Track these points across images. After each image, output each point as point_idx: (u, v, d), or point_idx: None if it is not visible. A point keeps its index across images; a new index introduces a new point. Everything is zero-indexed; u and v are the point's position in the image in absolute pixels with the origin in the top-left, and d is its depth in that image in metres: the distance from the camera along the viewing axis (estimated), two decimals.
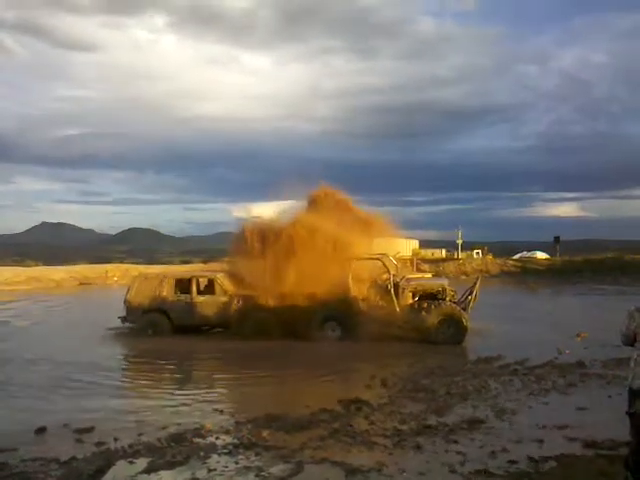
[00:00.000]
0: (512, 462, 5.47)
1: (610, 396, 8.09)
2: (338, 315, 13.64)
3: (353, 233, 14.73)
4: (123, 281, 29.57)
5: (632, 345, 4.57)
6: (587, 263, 41.61)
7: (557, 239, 51.42)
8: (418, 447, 6.01)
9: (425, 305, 13.57)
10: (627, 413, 4.55)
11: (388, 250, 16.33)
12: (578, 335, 13.64)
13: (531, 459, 5.53)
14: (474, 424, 6.77)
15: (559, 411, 7.44)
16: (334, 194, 16.48)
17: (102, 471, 5.34)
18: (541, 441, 6.11)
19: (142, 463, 5.59)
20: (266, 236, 15.26)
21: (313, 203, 16.35)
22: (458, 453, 5.76)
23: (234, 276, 15.35)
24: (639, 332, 4.45)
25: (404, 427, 6.70)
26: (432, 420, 6.98)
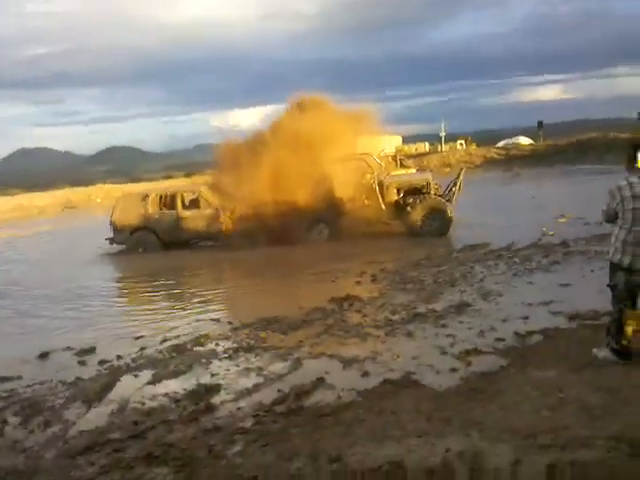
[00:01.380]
0: (500, 339, 5.72)
1: (592, 270, 8.36)
2: (325, 217, 13.74)
3: (336, 134, 14.50)
4: (107, 202, 29.31)
5: (613, 222, 4.67)
6: (571, 145, 41.55)
7: (540, 123, 50.98)
8: (409, 334, 6.26)
9: (410, 200, 13.68)
10: (608, 285, 4.73)
11: (372, 148, 16.22)
12: (562, 216, 13.87)
13: (517, 334, 5.79)
14: (462, 308, 7.03)
15: (543, 289, 7.69)
16: (315, 96, 16.08)
17: (109, 387, 5.52)
18: (526, 318, 6.37)
19: (147, 375, 5.79)
20: (248, 144, 15.07)
21: (295, 107, 15.98)
22: (448, 336, 6.02)
23: (218, 188, 15.29)
24: (619, 209, 4.54)
25: (395, 317, 6.95)
26: (422, 308, 7.23)
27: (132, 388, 5.47)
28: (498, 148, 47.97)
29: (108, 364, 6.29)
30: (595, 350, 4.81)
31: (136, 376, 5.84)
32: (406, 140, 53.88)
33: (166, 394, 5.18)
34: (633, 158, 4.65)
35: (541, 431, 3.46)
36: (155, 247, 14.60)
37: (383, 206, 13.77)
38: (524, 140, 52.67)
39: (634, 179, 4.52)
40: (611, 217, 4.68)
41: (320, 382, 4.99)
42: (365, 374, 5.16)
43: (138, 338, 7.18)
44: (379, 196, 13.78)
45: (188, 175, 42.54)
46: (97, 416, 4.87)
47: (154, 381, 5.62)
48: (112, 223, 14.93)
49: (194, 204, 14.94)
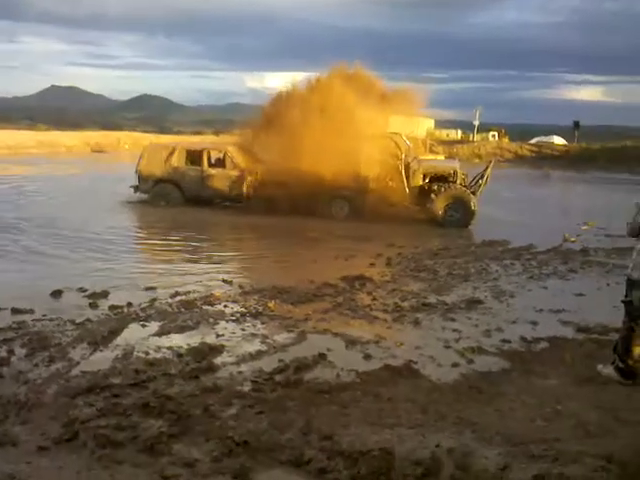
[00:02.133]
0: (505, 341, 5.71)
1: (609, 284, 8.27)
2: (347, 193, 13.69)
3: (369, 109, 14.31)
4: (135, 150, 29.46)
5: (637, 237, 4.60)
6: (604, 151, 40.80)
7: (577, 124, 49.98)
8: (416, 323, 6.28)
9: (435, 187, 13.55)
10: (622, 301, 4.68)
11: (403, 129, 16.03)
12: (586, 224, 13.70)
13: (524, 339, 5.76)
14: (472, 304, 7.00)
15: (557, 296, 7.64)
16: (353, 67, 15.85)
17: (115, 333, 5.62)
18: (535, 323, 6.33)
19: (154, 326, 5.88)
20: (280, 107, 14.96)
21: (330, 75, 15.77)
22: (454, 330, 6.02)
23: (246, 150, 15.28)
24: None
25: (404, 304, 6.95)
26: (432, 298, 7.22)
27: (138, 337, 5.56)
28: (531, 145, 47.25)
29: (118, 310, 6.39)
30: (600, 366, 4.79)
31: (144, 326, 5.93)
32: (438, 125, 53.14)
33: (170, 347, 5.26)
34: None
35: (533, 440, 3.48)
36: (177, 201, 14.68)
37: (407, 190, 13.66)
38: (558, 140, 51.77)
39: None
40: (635, 231, 4.60)
41: (321, 358, 5.03)
42: (367, 357, 5.19)
43: (150, 289, 7.27)
44: (404, 179, 13.66)
45: (217, 133, 42.52)
46: (101, 359, 4.96)
47: (160, 333, 5.70)
48: (138, 171, 15.03)
49: (220, 163, 14.94)
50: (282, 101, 15.16)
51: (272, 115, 14.95)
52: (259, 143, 15.11)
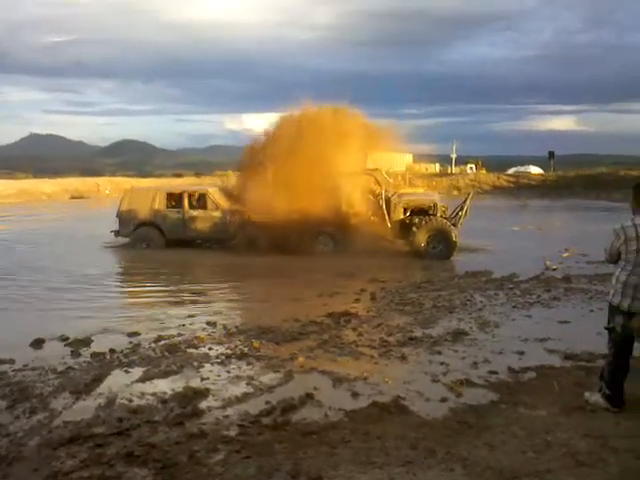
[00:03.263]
0: (493, 372, 5.68)
1: (592, 310, 8.32)
2: (330, 230, 13.77)
3: (349, 147, 14.50)
4: (115, 194, 29.41)
5: (616, 263, 4.64)
6: (580, 178, 41.55)
7: (551, 154, 51.09)
8: (403, 357, 6.24)
9: (416, 220, 13.70)
10: (606, 328, 4.71)
11: (382, 165, 16.26)
12: (566, 250, 13.86)
13: (511, 369, 5.74)
14: (458, 336, 6.99)
15: (541, 324, 7.67)
16: (333, 107, 16.08)
17: (98, 380, 5.52)
18: (522, 353, 6.33)
19: (137, 372, 5.79)
20: (260, 148, 15.11)
21: (309, 115, 15.98)
22: (441, 364, 5.99)
23: (227, 190, 15.38)
24: (623, 250, 4.51)
25: (390, 339, 6.92)
26: (418, 332, 7.20)
27: (121, 384, 5.46)
28: (508, 175, 47.99)
29: (100, 357, 6.29)
30: (587, 394, 4.78)
31: (127, 372, 5.83)
32: (417, 159, 53.82)
33: (154, 394, 5.17)
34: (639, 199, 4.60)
35: (525, 473, 3.44)
36: (159, 244, 14.65)
37: (389, 224, 13.81)
38: (534, 169, 52.72)
39: (639, 220, 4.47)
40: (614, 257, 4.64)
41: (309, 398, 4.97)
42: (354, 394, 5.13)
43: (133, 334, 7.18)
44: (385, 213, 13.82)
45: (198, 175, 42.66)
46: (83, 408, 4.86)
47: (144, 379, 5.61)
48: (119, 215, 15.00)
49: (201, 204, 14.97)
50: (262, 142, 15.31)
51: (253, 156, 15.10)
52: (241, 183, 15.21)
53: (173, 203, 14.94)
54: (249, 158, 15.33)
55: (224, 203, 14.77)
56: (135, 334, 7.18)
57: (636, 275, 4.43)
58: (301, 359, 6.13)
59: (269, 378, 5.60)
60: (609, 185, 37.29)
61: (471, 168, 53.99)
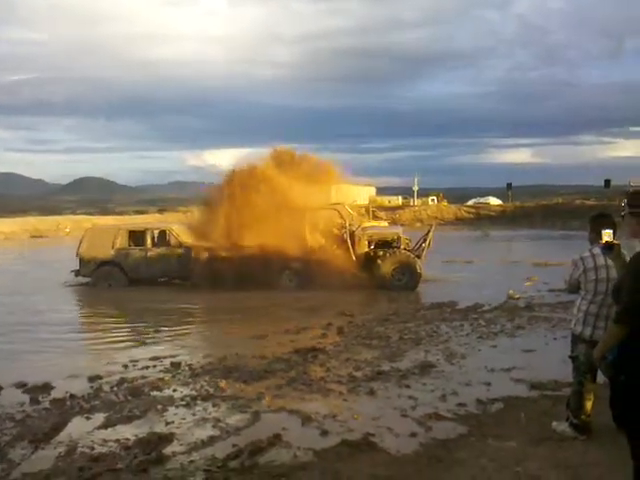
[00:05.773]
0: (461, 405, 5.67)
1: (556, 338, 8.44)
2: (295, 265, 13.74)
3: (309, 182, 14.68)
4: (76, 233, 28.84)
5: (576, 292, 4.73)
6: (538, 208, 42.69)
7: (509, 185, 52.77)
8: (372, 393, 6.18)
9: (380, 253, 13.80)
10: (570, 357, 4.77)
11: (345, 198, 16.44)
12: (528, 279, 14.12)
13: (479, 401, 5.75)
14: (425, 369, 6.99)
15: (507, 354, 7.73)
16: (290, 148, 16.41)
17: (58, 428, 5.31)
18: (489, 384, 6.35)
19: (99, 418, 5.58)
20: (223, 185, 15.14)
21: (269, 156, 16.19)
22: (410, 397, 5.95)
23: (190, 227, 15.26)
24: (582, 280, 4.59)
25: (358, 374, 6.86)
26: (386, 366, 7.16)
27: (82, 431, 5.26)
28: (469, 206, 49.09)
29: (60, 403, 6.07)
30: (555, 423, 4.80)
31: (88, 418, 5.63)
32: (380, 192, 54.70)
33: (117, 440, 4.99)
34: (597, 232, 4.70)
35: None
36: (121, 282, 14.38)
37: (354, 257, 13.86)
38: (494, 200, 54.15)
39: (597, 250, 4.55)
40: (574, 287, 4.72)
41: (277, 439, 4.85)
42: (324, 433, 5.04)
43: (94, 378, 6.95)
44: (350, 247, 13.89)
45: (161, 211, 42.32)
46: (43, 458, 4.67)
47: (106, 425, 5.41)
48: (79, 255, 14.70)
49: (164, 241, 14.81)
50: (225, 179, 15.33)
51: (216, 193, 15.10)
52: (205, 219, 15.14)
53: (135, 241, 14.74)
54: (213, 194, 15.32)
55: (187, 240, 14.64)
56: (97, 378, 6.95)
57: (596, 304, 4.51)
58: (268, 398, 6.03)
59: (236, 419, 5.47)
60: (566, 214, 38.39)
61: (432, 200, 55.02)
